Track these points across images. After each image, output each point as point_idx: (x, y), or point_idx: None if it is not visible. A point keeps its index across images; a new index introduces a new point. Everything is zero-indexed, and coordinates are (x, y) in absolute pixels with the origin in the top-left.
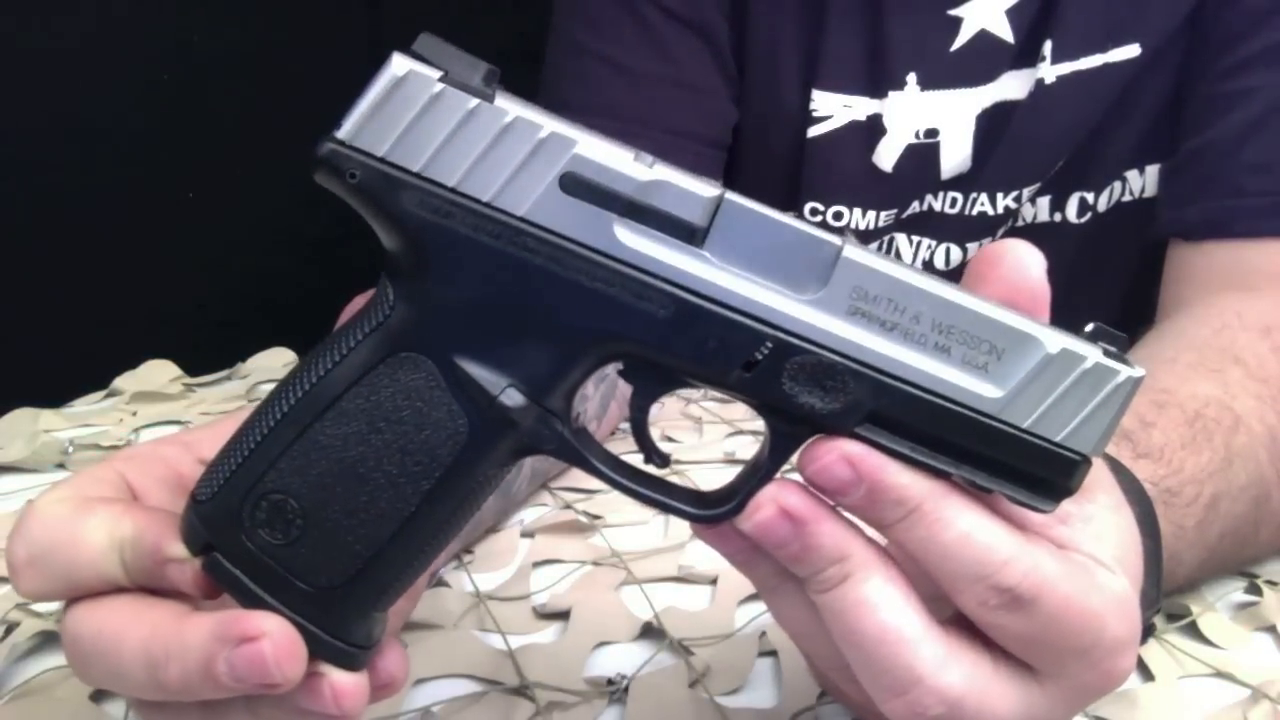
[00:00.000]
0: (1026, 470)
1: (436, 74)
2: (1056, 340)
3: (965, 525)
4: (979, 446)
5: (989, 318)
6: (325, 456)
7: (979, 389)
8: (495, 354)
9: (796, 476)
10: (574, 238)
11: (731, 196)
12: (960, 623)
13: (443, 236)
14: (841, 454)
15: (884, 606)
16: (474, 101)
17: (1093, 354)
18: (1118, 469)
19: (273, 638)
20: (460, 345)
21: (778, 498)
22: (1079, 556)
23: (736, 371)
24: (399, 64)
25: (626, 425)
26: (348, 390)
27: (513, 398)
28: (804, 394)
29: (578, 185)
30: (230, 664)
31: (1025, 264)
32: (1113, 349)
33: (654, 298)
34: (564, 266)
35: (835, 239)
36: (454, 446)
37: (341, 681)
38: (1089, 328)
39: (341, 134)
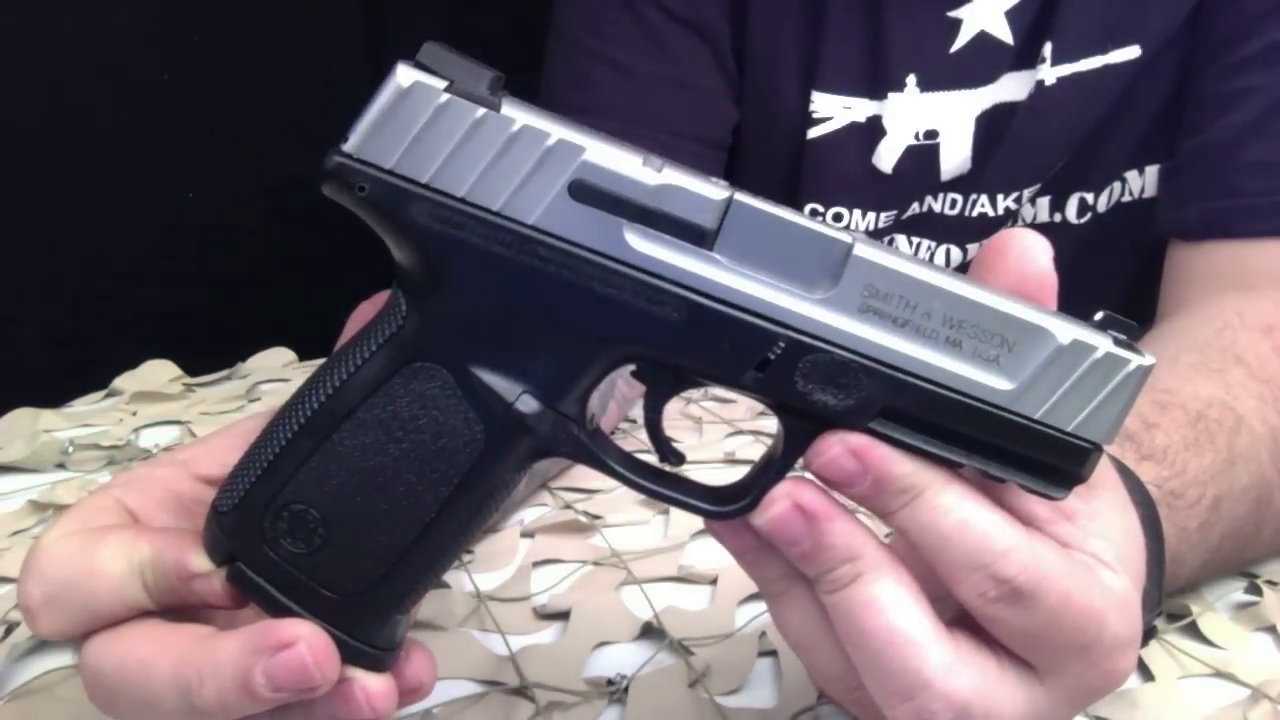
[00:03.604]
0: (1038, 460)
1: (442, 84)
2: (1067, 331)
3: (965, 513)
4: (991, 438)
5: (1000, 311)
6: (344, 467)
7: (991, 382)
8: (509, 362)
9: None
10: (585, 245)
11: (741, 197)
12: (964, 625)
13: (454, 247)
14: (847, 447)
15: (893, 608)
16: (481, 111)
17: (1103, 344)
18: (1122, 471)
19: (308, 641)
20: (474, 354)
21: (792, 494)
22: (1081, 555)
23: (750, 372)
24: (404, 75)
25: (625, 425)
26: (364, 401)
27: (528, 404)
28: (818, 392)
29: (587, 192)
30: (268, 674)
31: (1032, 253)
32: (1123, 337)
33: (666, 302)
34: (576, 274)
35: (845, 236)
36: (471, 453)
37: (373, 684)
38: (1098, 316)
39: (348, 147)
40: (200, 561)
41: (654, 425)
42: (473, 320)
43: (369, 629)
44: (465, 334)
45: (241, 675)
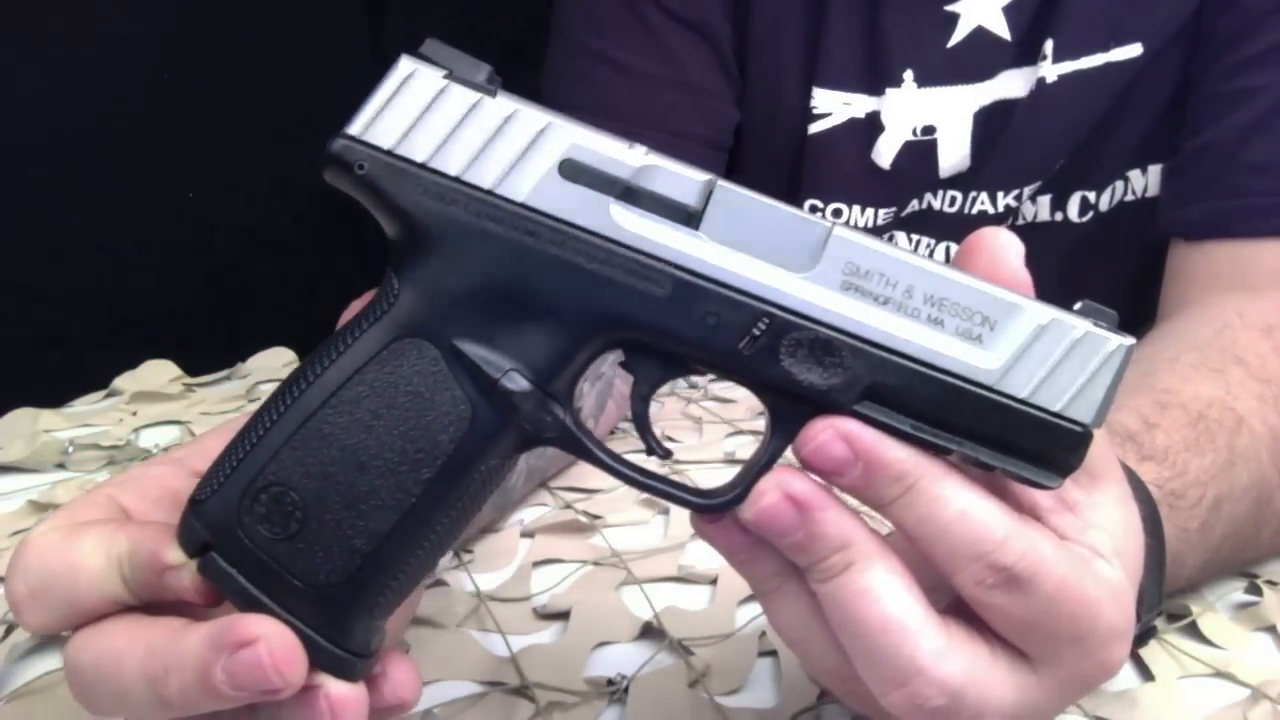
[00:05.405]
0: (1028, 444)
1: (441, 72)
2: (1047, 312)
3: (963, 502)
4: (979, 420)
5: (979, 289)
6: (327, 445)
7: (975, 360)
8: (497, 338)
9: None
10: (573, 221)
11: (724, 182)
12: (957, 612)
13: (446, 223)
14: (836, 431)
15: (886, 596)
16: (477, 96)
17: (1083, 324)
18: (1123, 470)
19: (269, 641)
20: (463, 330)
21: (781, 484)
22: (1078, 546)
23: (735, 350)
24: (406, 64)
25: (625, 425)
26: (351, 378)
27: (515, 381)
28: (802, 370)
29: (577, 171)
30: (227, 672)
31: (1004, 254)
32: (1102, 324)
33: (652, 277)
34: (564, 249)
35: (825, 222)
36: (456, 433)
37: (338, 692)
38: (1078, 305)
39: (352, 130)
40: (174, 554)
41: (640, 416)
42: (463, 296)
43: (341, 629)
44: (455, 310)
45: (203, 671)
